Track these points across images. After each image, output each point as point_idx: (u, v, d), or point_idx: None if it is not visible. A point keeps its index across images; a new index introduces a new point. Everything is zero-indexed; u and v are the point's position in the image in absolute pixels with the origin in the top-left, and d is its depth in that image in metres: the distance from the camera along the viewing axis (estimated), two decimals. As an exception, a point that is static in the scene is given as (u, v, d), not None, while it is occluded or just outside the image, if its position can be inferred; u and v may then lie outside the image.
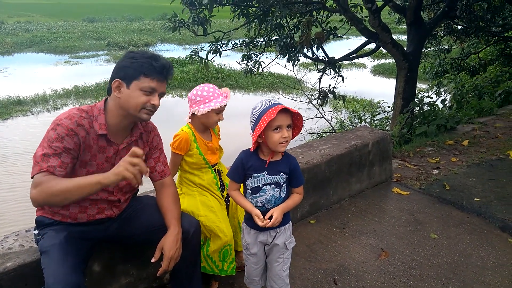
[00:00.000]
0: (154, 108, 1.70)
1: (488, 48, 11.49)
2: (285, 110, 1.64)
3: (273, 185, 1.75)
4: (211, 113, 2.10)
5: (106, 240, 1.84)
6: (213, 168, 2.25)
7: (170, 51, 22.43)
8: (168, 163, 2.16)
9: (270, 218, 1.70)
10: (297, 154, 3.11)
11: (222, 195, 2.27)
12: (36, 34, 25.88)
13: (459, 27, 9.85)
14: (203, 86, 2.13)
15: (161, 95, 1.71)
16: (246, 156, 1.78)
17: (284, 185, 1.78)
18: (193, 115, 2.16)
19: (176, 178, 2.27)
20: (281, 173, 1.76)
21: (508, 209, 3.15)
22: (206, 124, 2.17)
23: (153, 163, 1.89)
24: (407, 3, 6.33)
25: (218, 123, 2.22)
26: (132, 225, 1.85)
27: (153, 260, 1.75)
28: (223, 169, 2.36)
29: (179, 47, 24.40)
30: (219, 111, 2.12)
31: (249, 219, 1.80)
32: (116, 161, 1.73)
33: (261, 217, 1.71)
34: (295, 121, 1.72)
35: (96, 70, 16.59)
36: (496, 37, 10.51)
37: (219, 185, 2.28)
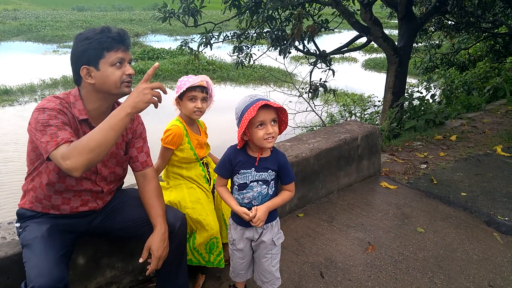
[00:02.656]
0: (131, 77, 1.65)
1: (478, 44, 11.56)
2: (268, 105, 1.60)
3: (260, 182, 1.73)
4: (186, 101, 2.07)
5: (90, 233, 1.81)
6: (201, 161, 2.23)
7: (161, 42, 22.21)
8: (158, 157, 2.13)
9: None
10: (286, 147, 3.10)
11: (209, 188, 2.25)
12: (23, 22, 25.40)
13: (450, 22, 9.89)
14: (179, 82, 2.11)
15: (130, 63, 1.67)
16: (233, 151, 1.75)
17: (272, 182, 1.75)
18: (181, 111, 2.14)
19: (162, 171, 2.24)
20: (269, 170, 1.73)
21: (493, 203, 3.19)
22: (188, 115, 2.13)
23: (135, 153, 1.85)
24: (399, -3, 6.31)
25: (201, 117, 2.18)
26: (116, 218, 1.82)
27: (141, 260, 1.72)
28: (210, 162, 2.34)
29: (170, 38, 24.17)
30: (193, 97, 2.08)
31: (235, 214, 1.78)
32: None
33: (248, 212, 1.69)
34: (281, 116, 1.68)
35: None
36: (486, 33, 10.58)
37: (207, 178, 2.26)
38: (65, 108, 1.58)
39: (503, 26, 10.43)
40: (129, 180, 1.96)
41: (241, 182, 1.73)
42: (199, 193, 2.17)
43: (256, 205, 1.73)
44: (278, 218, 1.87)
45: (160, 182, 2.22)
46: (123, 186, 2.07)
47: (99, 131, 1.44)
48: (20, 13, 30.56)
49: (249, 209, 1.71)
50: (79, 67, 1.58)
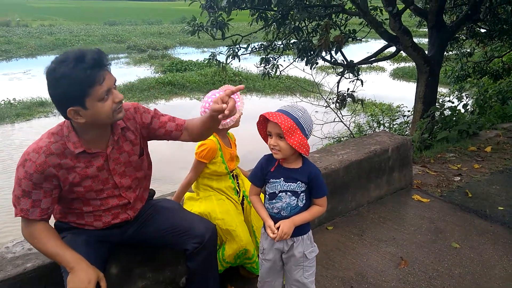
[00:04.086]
0: (122, 102, 1.57)
1: (512, 51, 11.17)
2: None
3: (289, 193, 1.71)
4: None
5: (124, 243, 1.85)
6: (231, 174, 2.25)
7: (189, 54, 22.65)
8: (190, 169, 2.15)
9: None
10: (315, 159, 3.08)
11: (238, 200, 2.26)
12: (58, 37, 26.51)
13: (482, 30, 9.62)
14: (206, 97, 2.12)
15: (115, 85, 1.56)
16: (266, 160, 1.77)
17: (302, 194, 1.73)
18: None
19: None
20: (298, 182, 1.71)
21: (534, 219, 3.05)
22: (233, 126, 2.16)
23: (163, 130, 1.78)
24: (428, 6, 6.21)
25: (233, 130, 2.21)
26: (149, 228, 1.85)
27: None
28: (239, 174, 2.35)
29: (198, 50, 24.61)
30: None
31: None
32: (110, 165, 1.67)
33: (273, 229, 1.68)
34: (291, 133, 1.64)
35: (116, 73, 16.66)
36: (521, 41, 10.21)
37: (237, 190, 2.27)
38: (50, 156, 1.52)
39: (540, 33, 10.04)
40: (160, 191, 1.99)
41: (270, 192, 1.73)
42: (228, 204, 2.18)
43: (285, 216, 1.72)
44: (310, 232, 1.85)
45: (189, 193, 2.27)
46: (156, 196, 2.11)
47: (41, 245, 1.58)
48: (55, 29, 31.93)
49: (278, 219, 1.71)
50: (64, 110, 1.47)
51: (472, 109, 7.74)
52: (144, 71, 17.14)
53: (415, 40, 6.28)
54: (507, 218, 3.06)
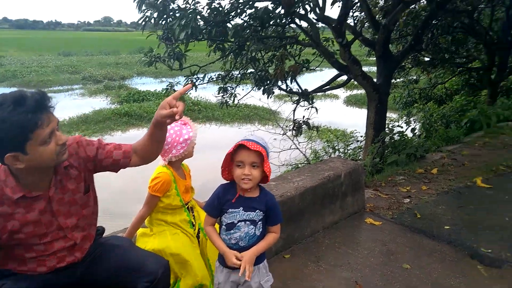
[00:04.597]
0: (66, 143, 1.51)
1: (454, 78, 12.06)
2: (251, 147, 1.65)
3: (248, 222, 1.74)
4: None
5: (72, 286, 1.77)
6: (186, 206, 2.23)
7: (147, 84, 22.50)
8: (143, 204, 2.12)
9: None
10: (271, 187, 3.13)
11: (194, 233, 2.24)
12: (8, 68, 25.54)
13: (426, 58, 10.35)
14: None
15: (58, 126, 1.49)
16: (223, 190, 1.78)
17: (260, 222, 1.76)
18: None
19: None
20: (257, 210, 1.74)
21: (476, 236, 3.23)
22: (187, 156, 2.17)
23: (110, 160, 1.70)
24: (376, 37, 6.63)
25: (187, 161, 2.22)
26: (98, 268, 1.78)
27: None
28: (195, 205, 2.34)
29: (156, 80, 24.51)
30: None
31: (221, 256, 1.78)
32: (54, 207, 1.58)
33: (239, 256, 1.69)
34: (262, 160, 1.70)
35: (70, 105, 16.39)
36: (461, 68, 11.07)
37: (192, 222, 2.25)
38: None
39: (476, 60, 10.95)
40: (110, 228, 1.94)
41: (228, 222, 1.74)
42: (183, 238, 2.16)
43: (244, 246, 1.74)
44: (265, 261, 1.87)
45: (142, 229, 2.22)
46: (107, 233, 2.05)
47: None
48: (5, 60, 30.75)
49: (236, 250, 1.72)
50: (1, 156, 1.37)
51: (420, 132, 8.20)
52: (100, 102, 16.79)
53: (366, 68, 6.66)
54: (453, 237, 3.23)
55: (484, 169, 4.86)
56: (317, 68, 8.20)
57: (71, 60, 31.37)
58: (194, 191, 2.34)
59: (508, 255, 2.93)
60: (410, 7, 6.84)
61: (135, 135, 12.48)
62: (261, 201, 1.77)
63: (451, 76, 11.81)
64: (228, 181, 1.80)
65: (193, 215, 2.27)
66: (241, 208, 1.74)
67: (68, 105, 16.16)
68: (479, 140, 6.36)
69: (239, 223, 1.73)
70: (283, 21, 5.97)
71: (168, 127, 2.02)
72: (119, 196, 6.98)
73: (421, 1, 7.03)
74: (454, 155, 5.54)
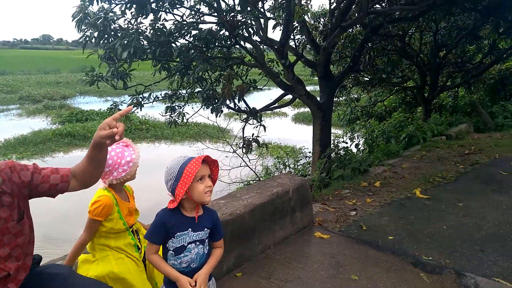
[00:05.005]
0: None
1: (392, 96, 12.88)
2: (204, 160, 1.68)
3: (198, 242, 1.72)
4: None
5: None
6: (130, 230, 2.15)
7: (90, 103, 21.68)
8: (83, 230, 2.00)
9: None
10: (221, 205, 3.10)
11: (140, 256, 2.15)
12: None
13: (366, 78, 10.98)
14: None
15: None
16: (167, 214, 1.73)
17: (207, 240, 1.76)
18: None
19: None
20: (205, 228, 1.74)
21: (418, 245, 3.41)
22: (129, 179, 2.09)
23: (46, 185, 1.61)
24: (317, 59, 6.92)
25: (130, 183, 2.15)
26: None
27: None
28: (140, 228, 2.26)
29: (100, 99, 23.69)
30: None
31: (169, 282, 1.72)
32: None
33: (193, 283, 1.66)
34: (213, 169, 1.76)
35: (6, 126, 15.33)
36: (397, 87, 11.86)
37: (137, 246, 2.16)
38: None
39: (411, 80, 11.80)
40: (48, 255, 1.82)
41: (177, 246, 1.70)
42: (129, 263, 2.06)
43: (195, 267, 1.71)
44: (213, 279, 1.84)
45: (84, 255, 2.10)
46: (43, 262, 1.91)
47: None
48: None
49: (188, 273, 1.68)
50: None
51: (363, 147, 8.60)
52: (39, 123, 15.89)
53: (311, 87, 6.92)
54: (396, 246, 3.39)
55: (422, 180, 5.17)
56: (264, 87, 8.37)
57: (6, 79, 29.50)
58: (139, 213, 2.26)
59: (447, 261, 3.12)
60: (348, 31, 7.26)
61: (78, 156, 11.84)
62: (208, 218, 1.77)
63: (389, 94, 12.61)
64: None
65: (139, 238, 2.19)
66: (190, 229, 1.71)
67: (3, 126, 15.11)
68: (417, 153, 6.79)
69: (189, 245, 1.70)
70: (228, 42, 6.06)
71: (110, 149, 1.96)
72: (59, 220, 6.56)
73: (357, 26, 7.48)
74: (395, 168, 5.86)
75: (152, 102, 6.47)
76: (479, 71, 10.51)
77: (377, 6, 7.14)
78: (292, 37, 7.37)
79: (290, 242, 3.44)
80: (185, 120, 7.08)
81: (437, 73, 10.55)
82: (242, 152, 7.25)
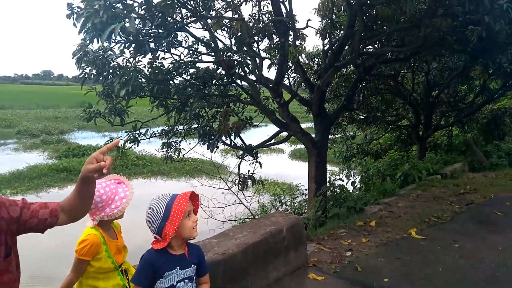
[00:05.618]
0: None
1: (387, 134, 12.99)
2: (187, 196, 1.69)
3: (186, 280, 1.71)
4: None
5: None
6: (119, 269, 2.10)
7: (88, 139, 21.73)
8: (70, 270, 1.96)
9: None
10: (213, 244, 3.06)
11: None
12: None
13: (361, 116, 11.12)
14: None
15: None
16: (154, 255, 1.71)
17: (194, 277, 1.75)
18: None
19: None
20: (192, 265, 1.73)
21: (414, 287, 3.34)
22: (119, 217, 2.08)
23: (35, 220, 1.57)
24: (312, 97, 7.05)
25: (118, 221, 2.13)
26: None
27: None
28: (129, 267, 2.21)
29: (98, 134, 23.77)
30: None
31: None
32: None
33: None
34: (194, 203, 1.78)
35: (2, 160, 15.26)
36: (392, 125, 11.99)
37: (126, 286, 2.11)
38: None
39: (405, 119, 11.96)
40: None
41: (166, 286, 1.68)
42: (117, 306, 2.01)
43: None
44: None
45: (70, 298, 2.04)
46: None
47: None
48: None
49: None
50: None
51: (359, 185, 8.58)
52: (36, 158, 15.84)
53: (307, 124, 7.00)
54: (392, 288, 3.31)
55: (418, 220, 5.13)
56: (261, 124, 8.46)
57: (4, 114, 29.70)
58: (127, 249, 2.23)
59: (443, 304, 3.05)
60: (341, 70, 7.45)
61: (70, 189, 11.78)
62: (193, 254, 1.77)
63: (384, 132, 12.73)
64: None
65: (127, 278, 2.14)
66: (178, 267, 1.69)
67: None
68: (412, 192, 6.78)
69: (178, 284, 1.69)
70: (225, 80, 6.19)
71: (104, 185, 1.96)
72: (45, 257, 6.39)
73: (350, 66, 7.69)
74: (391, 207, 5.82)
75: (149, 138, 6.51)
76: (472, 111, 10.70)
77: (370, 47, 7.39)
78: (286, 75, 7.55)
79: (283, 284, 3.36)
80: (181, 156, 7.09)
81: (430, 112, 10.72)
82: (238, 189, 7.22)
